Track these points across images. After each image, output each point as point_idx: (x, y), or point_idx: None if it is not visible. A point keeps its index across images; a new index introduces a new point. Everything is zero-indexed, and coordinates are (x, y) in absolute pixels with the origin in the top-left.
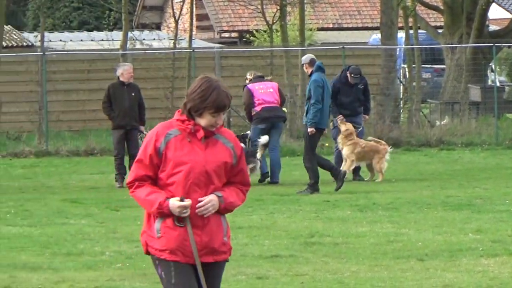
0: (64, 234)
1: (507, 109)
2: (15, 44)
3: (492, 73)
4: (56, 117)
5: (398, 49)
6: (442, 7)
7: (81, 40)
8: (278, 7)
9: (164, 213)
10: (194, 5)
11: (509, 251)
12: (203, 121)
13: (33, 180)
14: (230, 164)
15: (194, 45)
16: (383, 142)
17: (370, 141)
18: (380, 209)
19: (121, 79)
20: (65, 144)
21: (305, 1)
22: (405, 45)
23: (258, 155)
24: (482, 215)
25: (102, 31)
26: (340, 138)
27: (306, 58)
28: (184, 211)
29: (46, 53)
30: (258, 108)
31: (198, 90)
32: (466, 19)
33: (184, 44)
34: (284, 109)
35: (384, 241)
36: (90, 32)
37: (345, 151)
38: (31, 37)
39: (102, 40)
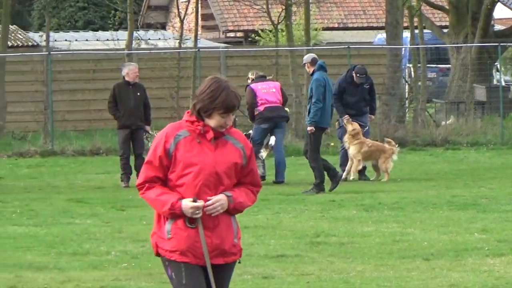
0: (70, 234)
1: None
2: (20, 44)
3: (498, 73)
4: (61, 117)
5: (403, 49)
6: (447, 7)
7: (87, 40)
8: (284, 7)
9: (176, 214)
10: (199, 5)
11: None
12: (212, 122)
13: (38, 180)
14: (240, 164)
15: (199, 45)
16: (393, 142)
17: (387, 142)
18: (386, 209)
19: (126, 78)
20: (71, 144)
21: (310, 1)
22: (410, 45)
23: (264, 155)
24: (488, 215)
25: (108, 30)
26: (346, 138)
27: (307, 57)
28: (197, 212)
29: (51, 52)
30: (261, 108)
31: (207, 90)
32: (471, 18)
33: (189, 43)
34: (286, 109)
35: (389, 241)
36: (95, 32)
37: (352, 151)
38: (37, 37)
39: (108, 39)
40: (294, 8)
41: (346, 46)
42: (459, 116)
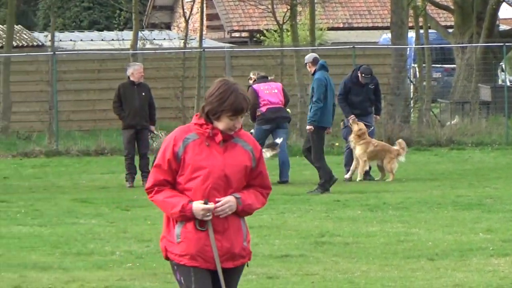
0: (74, 234)
1: None
2: (25, 44)
3: (503, 73)
4: (66, 117)
5: (408, 49)
6: (452, 7)
7: (91, 40)
8: (289, 7)
9: (186, 216)
10: (204, 5)
11: None
12: (221, 125)
13: (43, 180)
14: (250, 167)
15: (204, 45)
16: (404, 144)
17: (398, 143)
18: (391, 209)
19: (131, 78)
20: (75, 144)
21: (315, 1)
22: (415, 45)
23: (268, 155)
24: (493, 215)
25: (113, 30)
26: (352, 138)
27: (309, 57)
28: (208, 214)
29: (56, 52)
30: (263, 109)
31: (216, 93)
32: (476, 18)
33: (194, 43)
34: (288, 109)
35: (394, 241)
36: (100, 32)
37: (358, 151)
38: (42, 37)
39: (113, 39)
40: (299, 8)
41: (351, 46)
42: (464, 116)
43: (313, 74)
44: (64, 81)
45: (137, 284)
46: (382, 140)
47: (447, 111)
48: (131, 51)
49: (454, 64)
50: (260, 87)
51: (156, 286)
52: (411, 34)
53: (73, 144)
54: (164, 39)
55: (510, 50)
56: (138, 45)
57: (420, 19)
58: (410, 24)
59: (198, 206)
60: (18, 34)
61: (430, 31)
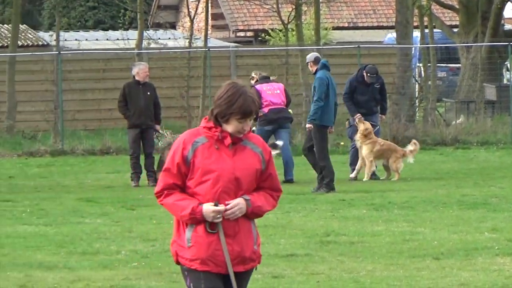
0: (80, 233)
1: None
2: (30, 44)
3: (508, 72)
4: (71, 116)
5: (413, 48)
6: (457, 6)
7: (97, 39)
8: (294, 6)
9: (196, 219)
10: (209, 4)
11: None
12: (230, 128)
13: (48, 179)
14: (260, 169)
15: (209, 44)
16: (416, 147)
17: (413, 143)
18: (396, 208)
19: (136, 78)
20: (81, 143)
21: (320, 0)
22: (420, 44)
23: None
24: (498, 214)
25: (118, 30)
26: (358, 137)
27: (310, 56)
28: (218, 216)
29: (61, 52)
30: (265, 110)
31: (224, 96)
32: (481, 18)
33: (199, 43)
34: (290, 110)
35: (399, 240)
36: (105, 31)
37: (364, 151)
38: (47, 37)
39: (118, 39)
40: (304, 8)
41: (356, 46)
42: (469, 115)
43: (315, 73)
44: (69, 80)
45: (142, 283)
46: (387, 140)
47: (452, 110)
48: (136, 51)
49: (459, 63)
50: (263, 87)
51: (161, 286)
52: (416, 33)
53: (79, 143)
54: (169, 38)
55: None
56: (143, 45)
57: (425, 18)
58: (415, 24)
59: (208, 208)
60: (23, 34)
61: (435, 30)
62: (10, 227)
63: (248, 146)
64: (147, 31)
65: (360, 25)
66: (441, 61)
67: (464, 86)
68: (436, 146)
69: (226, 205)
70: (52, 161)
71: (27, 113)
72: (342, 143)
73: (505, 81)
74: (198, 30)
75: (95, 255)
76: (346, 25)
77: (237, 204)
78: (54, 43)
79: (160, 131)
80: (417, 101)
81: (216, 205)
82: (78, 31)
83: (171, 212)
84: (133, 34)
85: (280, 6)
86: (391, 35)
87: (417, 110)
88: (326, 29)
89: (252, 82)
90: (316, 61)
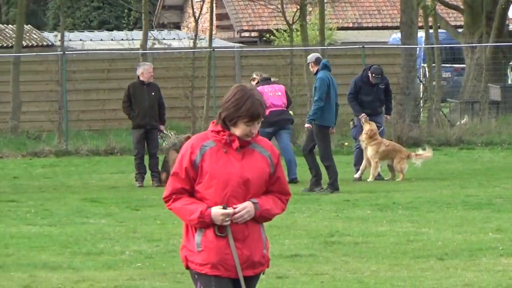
0: (84, 234)
1: None
2: (35, 44)
3: None
4: (76, 117)
5: (418, 49)
6: (462, 7)
7: (101, 40)
8: (298, 7)
9: (205, 222)
10: (214, 5)
11: None
12: (238, 131)
13: (53, 180)
14: (268, 173)
15: (214, 45)
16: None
17: (428, 151)
18: (400, 209)
19: (141, 78)
20: (85, 144)
21: (325, 1)
22: (425, 45)
23: None
24: (502, 215)
25: (122, 30)
26: (363, 138)
27: (311, 57)
28: (227, 219)
29: (66, 52)
30: (266, 112)
31: (232, 99)
32: (486, 18)
33: (204, 43)
34: (290, 112)
35: (404, 241)
36: (110, 32)
37: (370, 152)
38: (51, 37)
39: (122, 39)
40: (309, 8)
41: (361, 46)
42: (473, 115)
43: (316, 73)
44: (74, 80)
45: (146, 283)
46: (391, 140)
47: (456, 110)
48: (140, 51)
49: (464, 63)
50: (264, 89)
51: (165, 286)
52: (421, 34)
53: (83, 143)
54: (174, 39)
55: None
56: (147, 45)
57: (430, 18)
58: (420, 24)
59: (217, 211)
60: (28, 34)
61: (439, 31)
62: (15, 227)
63: (256, 150)
64: (151, 32)
65: (365, 25)
66: (446, 61)
67: (469, 86)
68: (440, 147)
69: (234, 208)
70: (56, 161)
71: (32, 114)
72: (346, 144)
73: (509, 82)
74: (203, 31)
75: (100, 255)
76: (351, 25)
77: (245, 207)
78: (58, 43)
79: (165, 131)
80: (421, 101)
81: (225, 208)
82: (82, 32)
83: (179, 217)
84: (137, 34)
85: (284, 6)
86: (396, 35)
87: (421, 110)
88: (330, 29)
89: (253, 83)
90: (317, 61)
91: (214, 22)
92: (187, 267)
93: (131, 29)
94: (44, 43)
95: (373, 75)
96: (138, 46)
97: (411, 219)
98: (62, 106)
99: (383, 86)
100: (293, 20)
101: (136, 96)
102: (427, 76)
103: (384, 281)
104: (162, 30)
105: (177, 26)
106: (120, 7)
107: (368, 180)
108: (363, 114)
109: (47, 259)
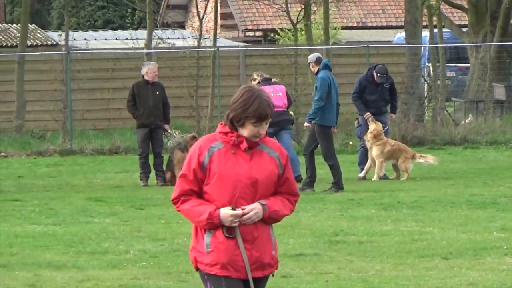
0: (89, 233)
1: None
2: (39, 43)
3: None
4: (80, 116)
5: (422, 48)
6: (466, 6)
7: (106, 39)
8: (303, 6)
9: (213, 224)
10: (218, 4)
11: None
12: (245, 132)
13: (57, 179)
14: (277, 174)
15: (218, 44)
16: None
17: (435, 159)
18: (405, 208)
19: (145, 77)
20: (90, 143)
21: (329, 0)
22: (429, 44)
23: None
24: (507, 214)
25: (127, 30)
26: (368, 137)
27: (312, 56)
28: (236, 220)
29: (70, 52)
30: None
31: (239, 99)
32: (490, 17)
33: (208, 43)
34: (291, 112)
35: (408, 240)
36: (114, 31)
37: (375, 152)
38: (56, 36)
39: (127, 39)
40: (313, 7)
41: (365, 45)
42: (478, 115)
43: (316, 73)
44: (78, 80)
45: (151, 283)
46: (396, 139)
47: (461, 110)
48: (145, 50)
49: (468, 63)
50: (265, 89)
51: (170, 285)
52: (425, 33)
53: (87, 143)
54: (178, 38)
55: None
56: (152, 44)
57: (434, 18)
58: (424, 23)
59: (226, 212)
60: (32, 33)
61: (444, 30)
62: (19, 226)
63: (264, 151)
64: (156, 31)
65: (369, 24)
66: (450, 60)
67: (473, 85)
68: (445, 146)
69: (242, 209)
70: (61, 160)
71: (36, 113)
72: (351, 143)
73: None
74: (207, 30)
75: (104, 254)
76: (355, 24)
77: (254, 208)
78: (63, 42)
79: (169, 130)
80: (426, 100)
81: (233, 209)
82: (87, 31)
83: (188, 218)
84: (142, 33)
85: (289, 5)
86: (400, 34)
87: (426, 109)
88: (335, 28)
89: (254, 83)
90: (317, 61)
91: (219, 21)
92: (197, 268)
93: (136, 29)
94: (49, 43)
95: (378, 74)
96: (143, 46)
97: (416, 218)
98: (66, 105)
99: (388, 85)
100: (297, 19)
101: (141, 96)
102: (432, 75)
103: (388, 280)
104: (166, 29)
105: (182, 26)
106: (124, 7)
107: (372, 179)
108: (368, 113)
109: (51, 258)
